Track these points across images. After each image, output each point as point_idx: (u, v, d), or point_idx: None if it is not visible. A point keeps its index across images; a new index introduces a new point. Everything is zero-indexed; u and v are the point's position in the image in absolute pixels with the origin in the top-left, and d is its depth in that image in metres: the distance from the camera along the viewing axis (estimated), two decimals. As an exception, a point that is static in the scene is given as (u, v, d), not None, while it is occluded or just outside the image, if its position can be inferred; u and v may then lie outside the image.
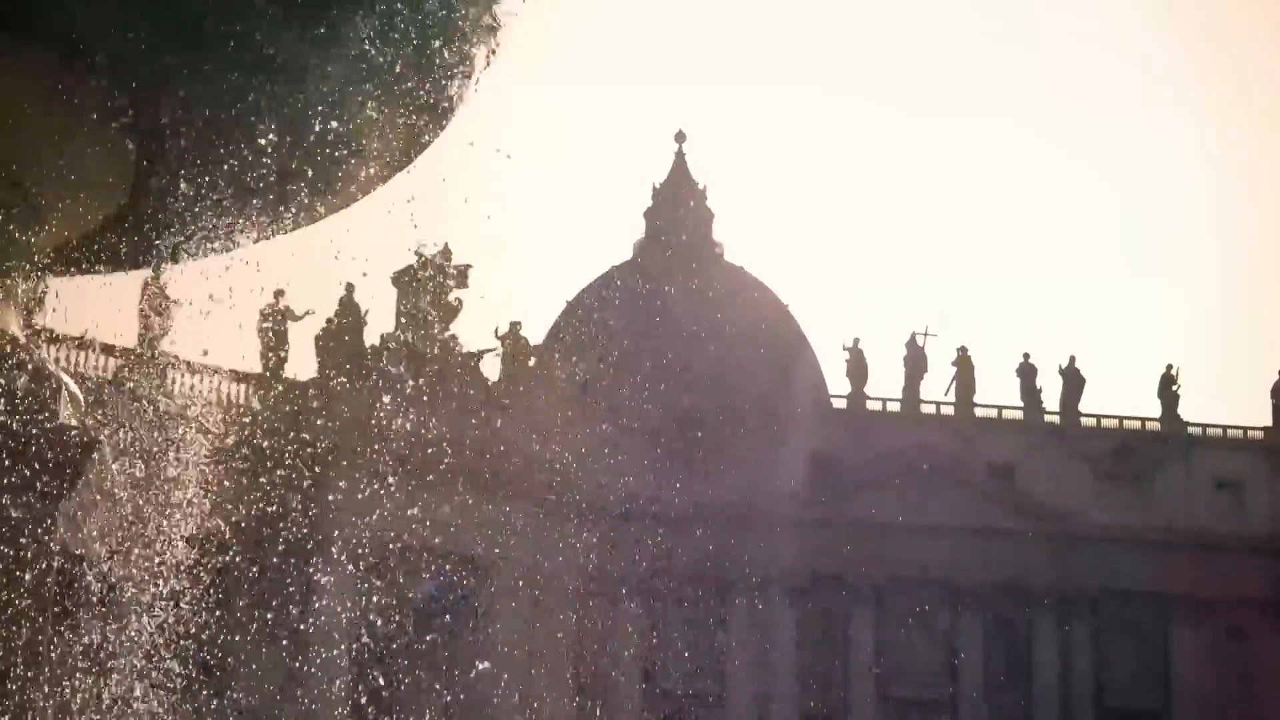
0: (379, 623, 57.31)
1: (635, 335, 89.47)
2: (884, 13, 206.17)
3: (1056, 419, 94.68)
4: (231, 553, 50.53)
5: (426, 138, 13.00)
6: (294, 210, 13.17)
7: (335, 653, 61.44)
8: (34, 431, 11.27)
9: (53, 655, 11.46)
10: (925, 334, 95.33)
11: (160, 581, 12.93)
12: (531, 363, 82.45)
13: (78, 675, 11.79)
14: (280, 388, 70.57)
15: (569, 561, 76.74)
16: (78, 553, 11.76)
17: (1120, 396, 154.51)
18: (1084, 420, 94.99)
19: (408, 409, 65.90)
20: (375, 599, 58.36)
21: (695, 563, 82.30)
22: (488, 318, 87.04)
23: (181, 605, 13.44)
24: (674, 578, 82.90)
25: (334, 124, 12.10)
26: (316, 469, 60.05)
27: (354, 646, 62.21)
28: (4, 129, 11.46)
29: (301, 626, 61.49)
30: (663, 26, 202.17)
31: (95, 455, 11.80)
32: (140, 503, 12.85)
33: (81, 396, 12.12)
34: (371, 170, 13.14)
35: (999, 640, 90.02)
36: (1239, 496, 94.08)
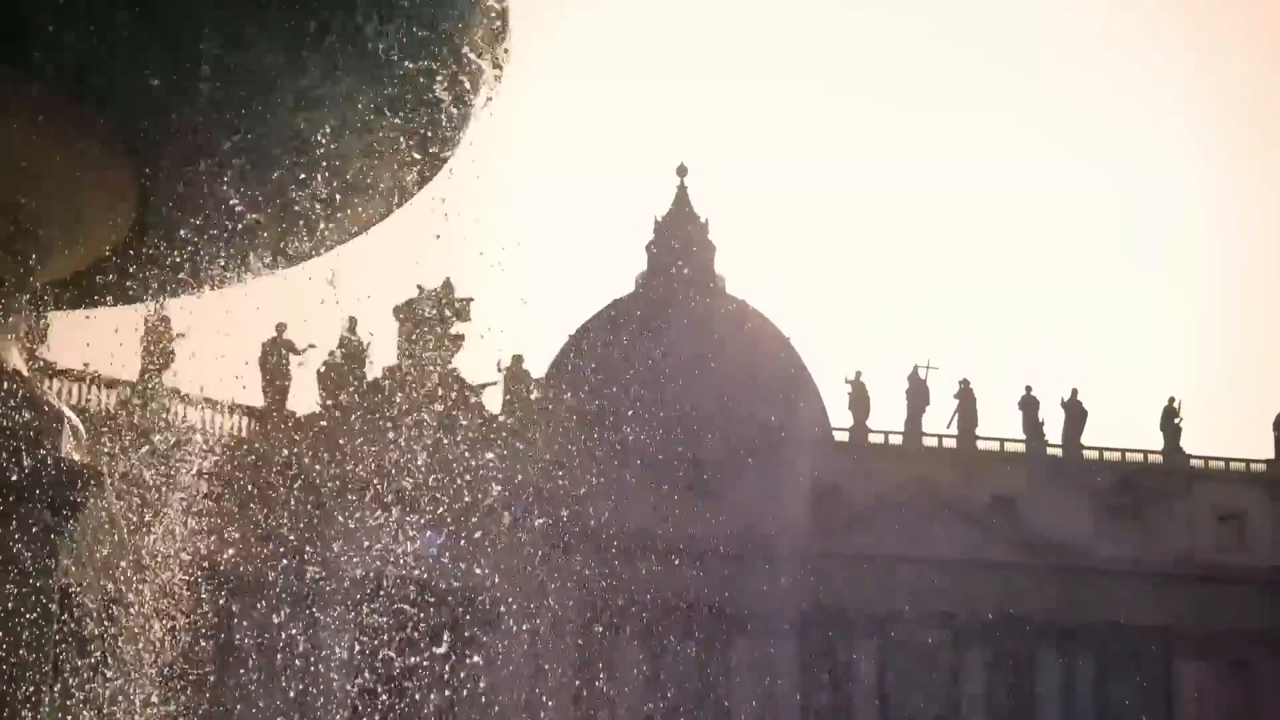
0: (381, 655, 57.18)
1: (637, 368, 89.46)
2: (880, 52, 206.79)
3: (1059, 452, 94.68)
4: (234, 586, 50.54)
5: (429, 172, 13.03)
6: (297, 244, 13.20)
7: (337, 685, 61.32)
8: (36, 466, 11.27)
9: (55, 690, 11.45)
10: (927, 367, 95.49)
11: (161, 616, 12.92)
12: (534, 396, 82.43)
13: (80, 710, 11.77)
14: (282, 421, 70.59)
15: (571, 595, 76.68)
16: (79, 587, 11.77)
17: (1122, 429, 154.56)
18: (1086, 453, 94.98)
19: (409, 442, 65.88)
20: (377, 631, 58.24)
21: (698, 595, 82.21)
22: (490, 351, 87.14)
23: (183, 639, 13.43)
24: (676, 610, 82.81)
25: (339, 158, 12.15)
26: (318, 502, 60.11)
27: (356, 679, 62.09)
28: (6, 164, 11.50)
29: (303, 659, 61.40)
30: (664, 61, 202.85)
31: (97, 489, 11.81)
32: (141, 536, 12.86)
33: (83, 430, 12.13)
34: (374, 204, 13.18)
35: (1002, 673, 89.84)
36: (1241, 529, 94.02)
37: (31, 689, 11.09)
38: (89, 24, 10.75)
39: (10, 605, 10.97)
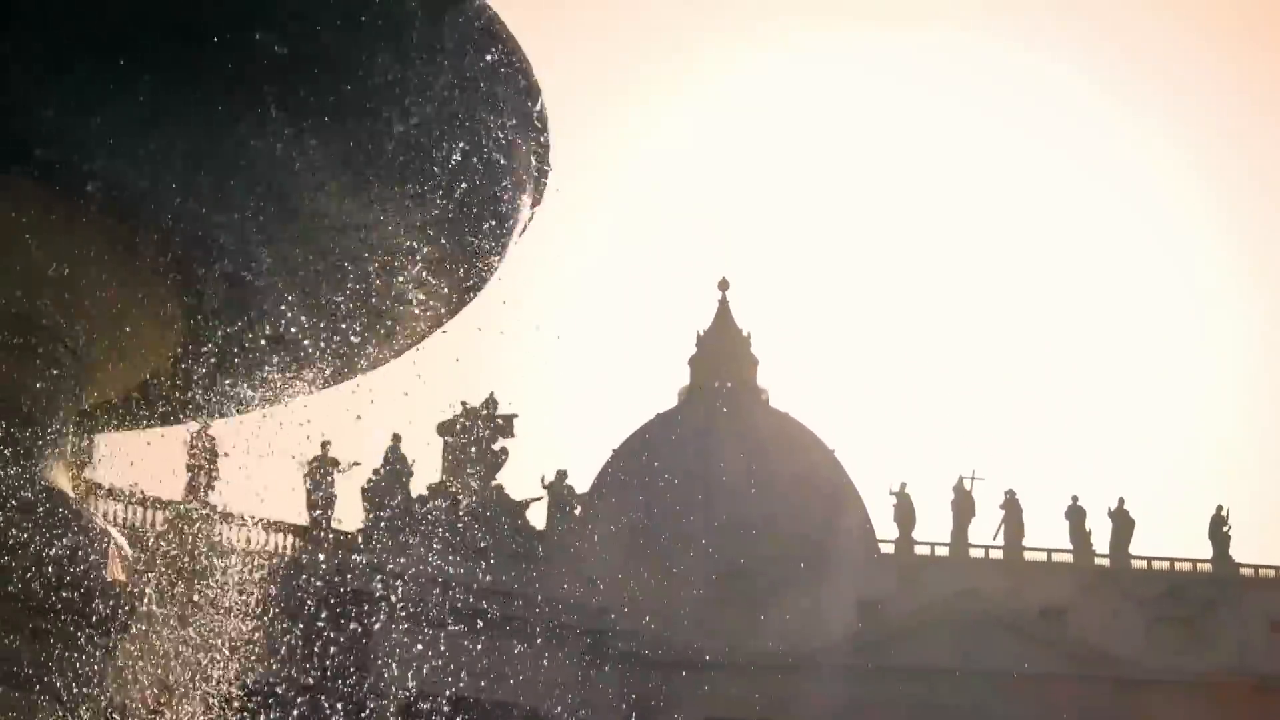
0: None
1: (681, 482, 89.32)
2: (919, 163, 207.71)
3: (1107, 562, 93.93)
4: (277, 705, 50.36)
5: (472, 292, 13.11)
6: (342, 362, 13.28)
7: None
8: (82, 587, 11.31)
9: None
10: (972, 477, 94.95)
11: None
12: (578, 511, 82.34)
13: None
14: (327, 538, 70.64)
15: (617, 709, 76.15)
16: (125, 707, 11.77)
17: (1171, 538, 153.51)
18: (1135, 563, 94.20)
19: (454, 558, 65.87)
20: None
21: (745, 709, 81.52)
22: (534, 467, 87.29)
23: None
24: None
25: (383, 279, 12.24)
26: (363, 619, 59.95)
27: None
28: (56, 285, 11.60)
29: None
30: (704, 176, 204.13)
31: (142, 610, 11.83)
32: (186, 656, 12.86)
33: (129, 551, 12.16)
34: (418, 323, 13.25)
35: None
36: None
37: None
38: (137, 149, 10.90)
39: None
